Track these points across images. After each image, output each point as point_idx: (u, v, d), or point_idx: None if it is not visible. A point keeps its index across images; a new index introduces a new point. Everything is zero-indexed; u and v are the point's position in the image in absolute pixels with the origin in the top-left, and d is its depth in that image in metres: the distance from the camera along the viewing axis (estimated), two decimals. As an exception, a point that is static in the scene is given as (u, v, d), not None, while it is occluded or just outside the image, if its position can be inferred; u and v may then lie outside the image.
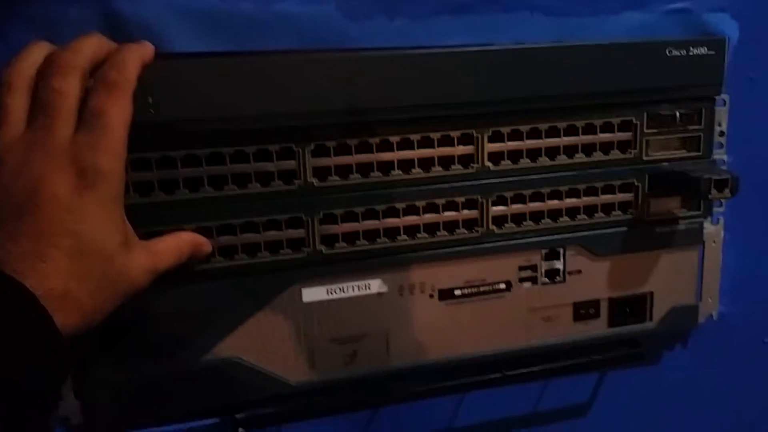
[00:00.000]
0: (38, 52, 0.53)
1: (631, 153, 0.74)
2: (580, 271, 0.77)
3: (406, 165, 0.68)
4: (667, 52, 0.72)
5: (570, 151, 0.73)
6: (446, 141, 0.69)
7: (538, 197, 0.73)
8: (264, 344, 0.69)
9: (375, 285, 0.71)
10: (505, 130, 0.70)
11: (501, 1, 0.70)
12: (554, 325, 0.77)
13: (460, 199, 0.71)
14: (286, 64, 0.63)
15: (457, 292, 0.74)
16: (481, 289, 0.74)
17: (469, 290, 0.74)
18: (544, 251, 0.75)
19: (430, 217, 0.70)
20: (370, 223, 0.69)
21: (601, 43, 0.71)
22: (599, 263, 0.77)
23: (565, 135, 0.72)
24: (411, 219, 0.70)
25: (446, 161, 0.69)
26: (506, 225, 0.73)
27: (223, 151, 0.63)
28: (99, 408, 0.67)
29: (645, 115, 0.74)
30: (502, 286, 0.75)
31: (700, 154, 0.76)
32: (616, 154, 0.74)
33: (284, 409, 0.72)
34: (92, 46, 0.54)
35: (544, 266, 0.76)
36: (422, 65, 0.66)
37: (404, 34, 0.68)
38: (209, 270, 0.66)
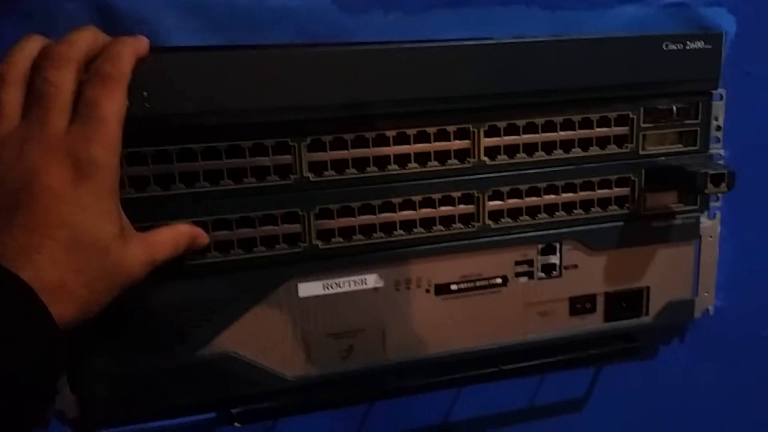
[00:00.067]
0: (33, 45, 0.53)
1: (627, 147, 0.74)
2: (576, 266, 0.76)
3: (402, 159, 0.68)
4: (664, 47, 0.72)
5: (566, 145, 0.73)
6: (442, 135, 0.69)
7: (534, 192, 0.73)
8: (260, 339, 0.69)
9: (371, 280, 0.71)
10: (502, 124, 0.70)
11: (497, -5, 0.71)
12: (550, 319, 0.77)
13: (457, 194, 0.71)
14: (282, 58, 0.62)
15: (454, 287, 0.73)
16: (478, 283, 0.74)
17: (466, 285, 0.74)
18: (540, 246, 0.75)
19: (426, 212, 0.70)
20: (366, 218, 0.69)
21: (597, 37, 0.71)
22: (595, 258, 0.77)
23: (561, 129, 0.72)
24: (407, 214, 0.70)
25: (442, 156, 0.69)
26: (502, 220, 0.73)
27: (219, 145, 0.63)
28: (95, 402, 0.66)
29: (642, 109, 0.74)
30: (499, 280, 0.75)
31: (696, 148, 0.76)
32: (612, 148, 0.74)
33: (280, 404, 0.72)
34: (87, 39, 0.54)
35: (540, 261, 0.75)
36: (418, 59, 0.66)
37: (400, 28, 0.68)
38: (205, 265, 0.65)
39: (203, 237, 0.63)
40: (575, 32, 0.72)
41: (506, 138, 0.71)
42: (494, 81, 0.68)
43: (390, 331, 0.73)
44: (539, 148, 0.72)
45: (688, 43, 0.72)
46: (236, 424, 0.70)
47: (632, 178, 0.75)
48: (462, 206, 0.71)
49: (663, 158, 0.75)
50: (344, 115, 0.65)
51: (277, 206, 0.66)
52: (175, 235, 0.60)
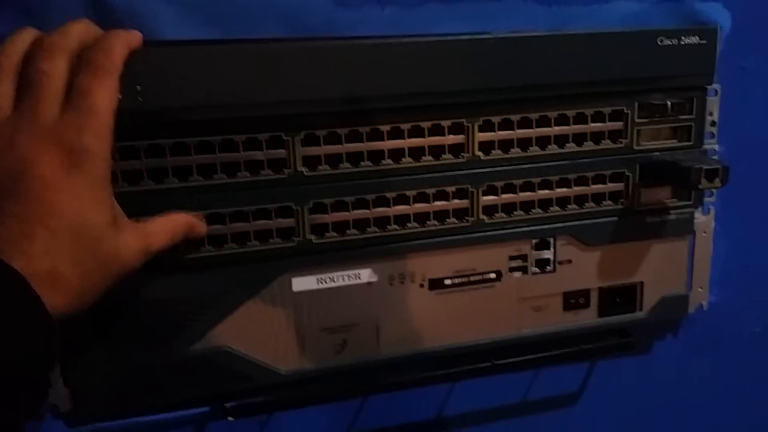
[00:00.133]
0: (26, 37, 0.53)
1: (621, 142, 0.74)
2: (570, 261, 0.77)
3: (396, 154, 0.68)
4: (659, 42, 0.71)
5: (561, 140, 0.72)
6: (437, 130, 0.69)
7: (528, 187, 0.73)
8: (254, 333, 0.69)
9: (365, 274, 0.71)
10: (496, 119, 0.70)
11: (492, -10, 0.70)
12: (544, 314, 0.77)
13: (451, 189, 0.71)
14: (276, 52, 0.62)
15: (447, 282, 0.74)
16: (471, 278, 0.74)
17: (459, 280, 0.74)
18: (534, 241, 0.75)
19: (420, 207, 0.70)
20: (360, 213, 0.69)
21: (592, 32, 0.70)
22: (589, 253, 0.77)
23: (555, 124, 0.72)
24: (401, 208, 0.70)
25: (437, 150, 0.69)
26: (496, 214, 0.73)
27: (212, 139, 0.63)
28: (88, 395, 0.66)
29: (636, 104, 0.73)
30: (493, 275, 0.75)
31: (691, 143, 0.76)
32: (606, 143, 0.74)
33: (274, 398, 0.72)
34: (80, 30, 0.54)
35: (534, 256, 0.76)
36: (413, 54, 0.65)
37: (395, 22, 0.68)
38: (199, 259, 0.65)
39: (200, 226, 0.63)
40: (570, 27, 0.72)
41: (500, 133, 0.70)
42: (489, 76, 0.68)
43: (384, 326, 0.73)
44: (533, 143, 0.72)
45: (682, 38, 0.72)
46: (230, 419, 0.70)
47: (626, 174, 0.75)
48: (456, 201, 0.71)
49: (657, 153, 0.75)
50: (338, 110, 0.65)
51: (270, 200, 0.66)
52: (171, 224, 0.60)
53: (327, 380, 0.73)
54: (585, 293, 0.78)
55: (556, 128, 0.72)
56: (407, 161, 0.68)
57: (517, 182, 0.72)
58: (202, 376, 0.68)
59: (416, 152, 0.69)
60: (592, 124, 0.73)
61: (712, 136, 0.79)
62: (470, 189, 0.71)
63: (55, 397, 0.66)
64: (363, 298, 0.71)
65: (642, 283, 0.79)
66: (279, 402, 0.72)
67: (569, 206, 0.74)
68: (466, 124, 0.69)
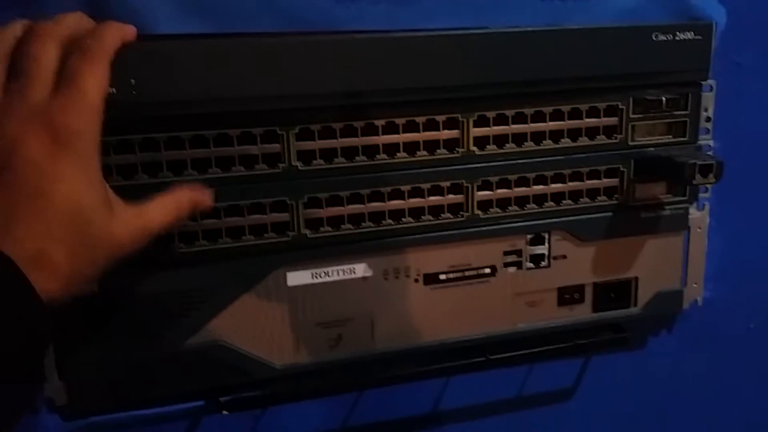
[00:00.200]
0: (18, 26, 0.53)
1: (616, 138, 0.74)
2: (564, 256, 0.77)
3: (391, 149, 0.68)
4: (654, 37, 0.72)
5: (555, 136, 0.73)
6: (432, 125, 0.69)
7: (523, 182, 0.73)
8: (249, 328, 0.69)
9: (360, 269, 0.71)
10: (491, 114, 0.70)
11: (487, -15, 0.70)
12: (539, 309, 0.78)
13: (446, 184, 0.71)
14: (271, 47, 0.62)
15: (442, 277, 0.74)
16: (466, 273, 0.74)
17: (454, 275, 0.74)
18: (529, 236, 0.75)
19: (415, 202, 0.70)
20: (354, 207, 0.69)
21: (587, 27, 0.71)
22: (584, 248, 0.77)
23: (550, 120, 0.72)
24: (396, 203, 0.70)
25: (432, 145, 0.69)
26: (491, 210, 0.73)
27: (207, 134, 0.63)
28: (84, 390, 0.67)
29: (631, 100, 0.74)
30: (487, 270, 0.75)
31: (686, 139, 0.76)
32: (601, 139, 0.74)
33: (269, 393, 0.72)
34: (73, 19, 0.54)
35: (528, 251, 0.76)
36: (408, 48, 0.66)
37: (389, 17, 0.67)
38: (194, 253, 0.65)
39: (206, 198, 0.61)
40: (565, 22, 0.72)
41: (495, 128, 0.71)
42: (484, 71, 0.68)
43: (379, 321, 0.73)
44: (528, 138, 0.72)
45: (677, 33, 0.72)
46: (224, 413, 0.70)
47: (621, 169, 0.75)
48: (451, 196, 0.71)
49: (652, 149, 0.76)
50: (333, 104, 0.65)
51: (265, 195, 0.66)
52: (172, 202, 0.58)
53: (322, 374, 0.73)
54: (579, 288, 0.78)
55: (551, 123, 0.72)
56: (402, 156, 0.69)
57: (512, 177, 0.72)
58: (197, 370, 0.68)
59: (411, 147, 0.69)
60: (587, 120, 0.73)
61: (707, 131, 0.79)
62: (465, 184, 0.71)
63: (51, 391, 0.66)
64: (358, 292, 0.72)
65: (636, 279, 0.80)
66: (273, 396, 0.73)
67: (564, 201, 0.75)
68: (461, 119, 0.69)
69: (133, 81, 0.58)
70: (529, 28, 0.69)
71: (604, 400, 0.88)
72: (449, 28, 0.67)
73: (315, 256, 0.69)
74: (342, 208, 0.68)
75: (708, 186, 0.81)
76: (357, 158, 0.67)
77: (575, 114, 0.73)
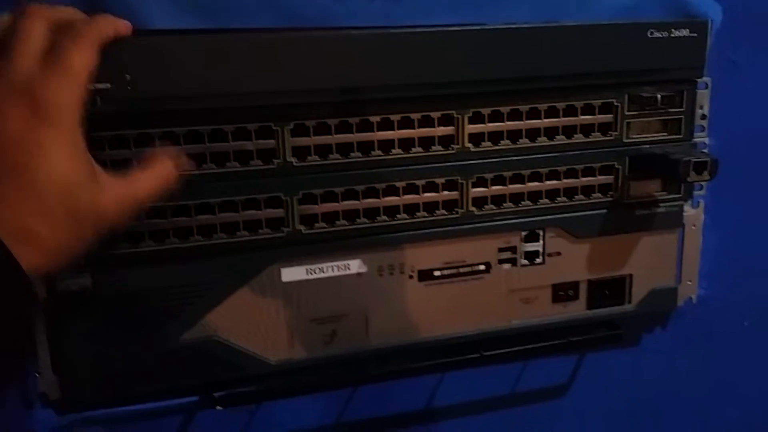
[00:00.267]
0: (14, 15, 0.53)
1: (611, 135, 0.74)
2: (559, 253, 0.77)
3: (386, 145, 0.68)
4: (649, 34, 0.72)
5: (550, 132, 0.73)
6: (427, 121, 0.69)
7: (518, 179, 0.73)
8: (243, 323, 0.69)
9: (354, 265, 0.71)
10: (486, 111, 0.70)
11: (483, -19, 0.70)
12: (533, 306, 0.78)
13: (440, 180, 0.71)
14: (266, 43, 0.62)
15: (437, 273, 0.74)
16: (461, 270, 0.74)
17: (449, 271, 0.74)
18: (523, 233, 0.75)
19: (409, 198, 0.70)
20: (349, 204, 0.69)
21: (582, 24, 0.71)
22: (579, 245, 0.77)
23: (545, 117, 0.72)
24: (391, 199, 0.70)
25: (427, 142, 0.69)
26: (486, 206, 0.73)
27: (201, 129, 0.63)
28: (78, 384, 0.67)
29: (626, 97, 0.74)
30: (482, 267, 0.75)
31: (681, 136, 0.77)
32: (596, 136, 0.74)
33: (263, 388, 0.72)
34: (67, 9, 0.54)
35: (523, 248, 0.76)
36: (403, 45, 0.66)
37: (385, 13, 0.67)
38: (188, 249, 0.66)
39: (186, 164, 0.61)
40: (561, 19, 0.71)
41: (490, 125, 0.71)
42: (479, 67, 0.68)
43: (373, 317, 0.73)
44: (523, 135, 0.72)
45: (673, 30, 0.72)
46: (218, 408, 0.70)
47: (616, 166, 0.75)
48: (446, 192, 0.71)
49: (647, 146, 0.76)
50: (328, 100, 0.65)
51: (260, 191, 0.66)
52: (159, 170, 0.57)
53: (316, 370, 0.73)
54: (574, 285, 0.78)
55: (546, 120, 0.72)
56: (397, 152, 0.69)
57: (507, 174, 0.72)
58: (191, 365, 0.68)
59: (406, 143, 0.69)
60: (582, 117, 0.73)
61: (702, 129, 0.79)
62: (460, 180, 0.71)
63: (45, 385, 0.66)
64: (352, 288, 0.72)
65: (631, 276, 0.80)
66: (268, 392, 0.73)
67: (559, 198, 0.75)
68: (455, 115, 0.69)
69: (128, 76, 0.58)
70: (525, 25, 0.69)
71: (598, 397, 0.88)
72: (445, 24, 0.67)
73: (310, 252, 0.69)
74: (337, 204, 0.68)
75: (703, 183, 0.81)
76: (352, 154, 0.67)
77: (570, 111, 0.73)
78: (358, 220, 0.69)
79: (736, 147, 0.81)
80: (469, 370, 0.80)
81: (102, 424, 0.71)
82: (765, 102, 0.83)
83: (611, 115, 0.74)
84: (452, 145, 0.70)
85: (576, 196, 0.75)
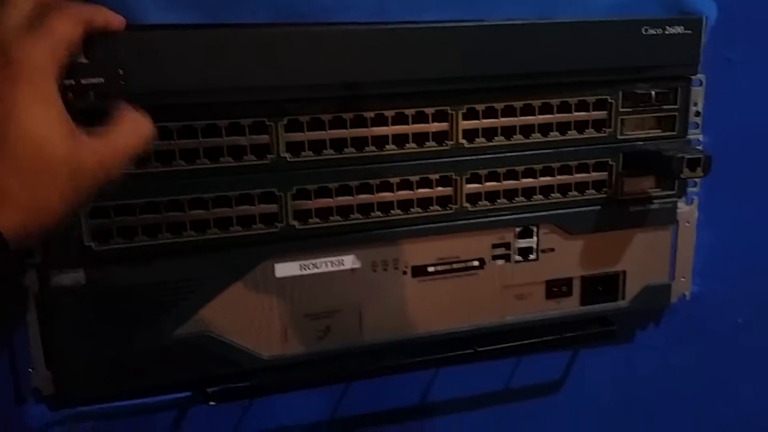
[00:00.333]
0: None
1: (605, 132, 0.74)
2: (553, 249, 0.77)
3: (380, 141, 0.68)
4: (643, 31, 0.72)
5: (544, 129, 0.73)
6: (421, 117, 0.69)
7: (512, 175, 0.73)
8: (237, 319, 0.69)
9: (348, 261, 0.71)
10: (480, 107, 0.70)
11: (477, -23, 0.70)
12: (527, 302, 0.78)
13: (434, 176, 0.71)
14: (260, 38, 0.62)
15: (431, 269, 0.74)
16: (455, 266, 0.75)
17: (443, 267, 0.74)
18: (517, 229, 0.75)
19: (403, 194, 0.70)
20: (343, 199, 0.69)
21: (577, 20, 0.71)
22: (572, 241, 0.77)
23: (539, 113, 0.72)
24: (385, 195, 0.70)
25: (421, 138, 0.69)
26: (480, 202, 0.73)
27: (195, 124, 0.63)
28: (71, 380, 0.67)
29: (620, 93, 0.74)
30: (476, 263, 0.75)
31: (675, 133, 0.77)
32: (590, 132, 0.74)
33: (256, 383, 0.72)
34: None
35: (517, 244, 0.76)
36: (397, 40, 0.66)
37: (379, 9, 0.67)
38: (181, 243, 0.66)
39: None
40: (555, 15, 0.71)
41: (484, 121, 0.71)
42: (473, 63, 0.68)
43: (367, 312, 0.73)
44: (517, 132, 0.72)
45: (667, 27, 0.72)
46: (212, 403, 0.70)
47: (610, 163, 0.75)
48: (440, 188, 0.71)
49: (641, 143, 0.76)
50: (322, 96, 0.65)
51: (253, 186, 0.66)
52: (134, 124, 0.56)
53: (310, 366, 0.73)
54: (567, 281, 0.79)
55: (540, 117, 0.72)
56: (391, 148, 0.69)
57: (501, 170, 0.72)
58: (185, 360, 0.68)
59: (400, 139, 0.69)
60: (576, 113, 0.73)
61: (697, 126, 0.79)
62: (454, 177, 0.71)
63: (38, 381, 0.66)
64: (346, 284, 0.72)
65: (624, 272, 0.80)
66: (261, 387, 0.73)
67: (552, 195, 0.75)
68: (450, 111, 0.69)
69: (121, 71, 0.58)
70: (519, 21, 0.69)
71: (591, 394, 0.88)
72: (439, 20, 0.67)
73: (303, 247, 0.69)
74: (331, 199, 0.68)
75: (696, 180, 0.81)
76: (346, 150, 0.67)
77: (564, 107, 0.73)
78: (351, 216, 0.69)
79: (731, 144, 0.81)
80: (463, 365, 0.80)
81: (95, 420, 0.70)
82: (759, 99, 0.83)
83: (605, 112, 0.74)
84: (446, 141, 0.70)
85: (570, 193, 0.75)
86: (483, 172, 0.72)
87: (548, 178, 0.74)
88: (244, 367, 0.71)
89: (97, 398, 0.70)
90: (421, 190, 0.71)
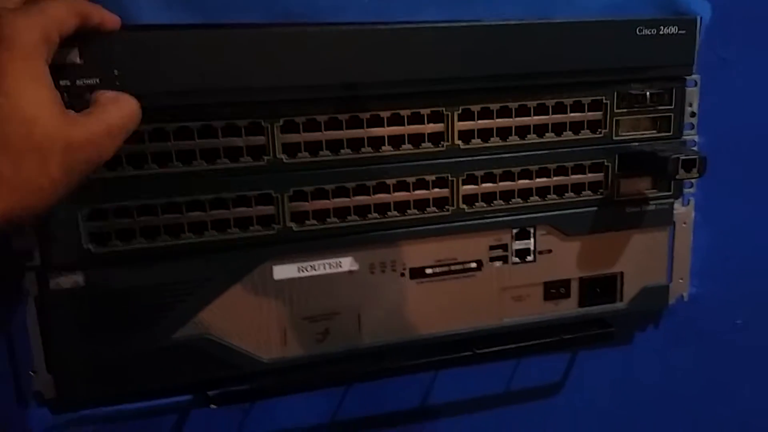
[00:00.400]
0: None
1: (601, 132, 0.75)
2: (550, 251, 0.77)
3: (376, 142, 0.69)
4: (638, 32, 0.72)
5: (540, 130, 0.73)
6: (416, 119, 0.69)
7: (508, 176, 0.73)
8: (236, 321, 0.69)
9: (346, 263, 0.71)
10: (475, 108, 0.70)
11: (472, -22, 0.71)
12: (525, 304, 0.78)
13: (431, 178, 0.71)
14: (256, 38, 0.62)
15: (428, 271, 0.74)
16: (452, 267, 0.75)
17: (440, 269, 0.74)
18: (514, 230, 0.76)
19: (400, 195, 0.71)
20: (340, 201, 0.69)
21: (571, 21, 0.71)
22: (570, 243, 0.77)
23: (535, 114, 0.72)
24: (381, 197, 0.70)
25: (416, 139, 0.70)
26: (477, 204, 0.73)
27: (191, 125, 0.63)
28: (72, 383, 0.67)
29: (615, 94, 0.74)
30: (473, 265, 0.75)
31: (670, 134, 0.77)
32: (586, 133, 0.74)
33: (256, 386, 0.72)
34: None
35: (514, 245, 0.76)
36: (392, 41, 0.66)
37: (374, 10, 0.67)
38: (179, 246, 0.66)
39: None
40: (549, 16, 0.72)
41: (480, 122, 0.71)
42: (468, 64, 0.68)
43: (365, 314, 0.73)
44: (513, 133, 0.72)
45: (662, 28, 0.72)
46: (212, 406, 0.70)
47: (606, 164, 0.76)
48: (436, 190, 0.72)
49: (636, 144, 0.76)
50: (317, 97, 0.66)
51: (250, 188, 0.66)
52: (126, 104, 0.56)
53: (309, 368, 0.73)
54: (565, 283, 0.79)
55: (536, 118, 0.72)
56: (387, 149, 0.69)
57: (497, 171, 0.73)
58: (185, 363, 0.69)
59: (396, 140, 0.69)
60: (572, 114, 0.73)
61: (692, 126, 0.79)
62: (450, 178, 0.71)
63: (40, 385, 0.67)
64: (344, 286, 0.72)
65: (622, 274, 0.80)
66: (261, 390, 0.73)
67: (549, 196, 0.75)
68: (445, 112, 0.70)
69: (116, 71, 0.58)
70: (513, 22, 0.69)
71: (591, 395, 0.88)
72: (433, 20, 0.68)
73: (301, 249, 0.70)
74: (327, 201, 0.69)
75: (692, 181, 0.81)
76: (342, 151, 0.68)
77: (560, 108, 0.73)
78: (349, 218, 0.70)
79: (726, 144, 0.81)
80: (462, 368, 0.80)
81: (97, 423, 0.71)
82: (754, 99, 0.83)
83: (600, 113, 0.74)
84: (442, 142, 0.70)
85: (566, 194, 0.75)
86: (479, 173, 0.72)
87: (544, 180, 0.74)
88: (243, 369, 0.71)
89: (99, 401, 0.70)
90: (417, 192, 0.71)
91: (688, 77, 0.77)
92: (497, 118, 0.71)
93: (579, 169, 0.75)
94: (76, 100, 0.55)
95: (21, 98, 0.47)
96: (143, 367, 0.68)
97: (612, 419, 0.90)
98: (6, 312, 0.66)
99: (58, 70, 0.54)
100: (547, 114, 0.73)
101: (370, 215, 0.70)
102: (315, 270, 0.71)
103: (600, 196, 0.76)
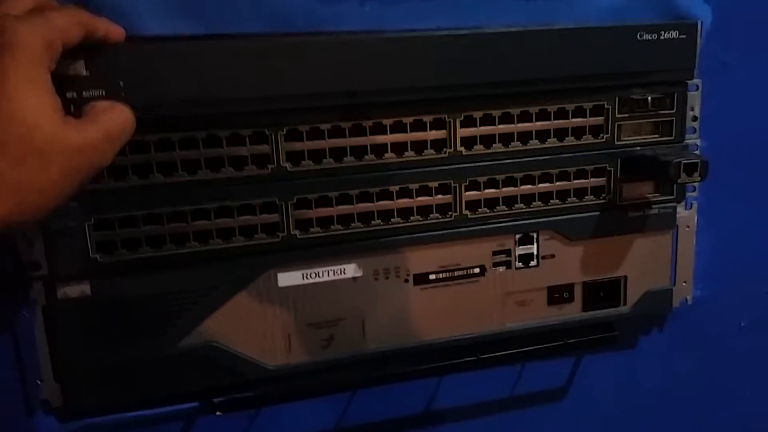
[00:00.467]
0: None
1: (603, 137, 0.75)
2: (553, 256, 0.77)
3: (378, 150, 0.69)
4: (639, 36, 0.72)
5: (542, 135, 0.73)
6: (419, 126, 0.69)
7: (510, 182, 0.74)
8: (241, 328, 0.70)
9: (350, 269, 0.72)
10: (477, 114, 0.71)
11: (472, -15, 0.71)
12: (529, 309, 0.78)
13: (434, 184, 0.71)
14: (258, 48, 0.63)
15: (432, 277, 0.74)
16: (456, 273, 0.75)
17: (444, 275, 0.75)
18: (517, 236, 0.76)
19: (403, 202, 0.71)
20: (343, 208, 0.69)
21: (571, 27, 0.71)
22: (573, 247, 0.78)
23: (537, 120, 0.73)
24: (385, 204, 0.70)
25: (419, 146, 0.70)
26: (480, 210, 0.73)
27: (196, 135, 0.64)
28: (79, 392, 0.67)
29: (617, 99, 0.74)
30: (477, 270, 0.75)
31: (672, 138, 0.77)
32: (588, 138, 0.74)
33: (262, 393, 0.72)
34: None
35: (517, 251, 0.76)
36: (394, 49, 0.66)
37: (375, 18, 0.67)
38: (185, 254, 0.66)
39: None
40: (549, 22, 0.72)
41: (482, 128, 0.71)
42: (469, 71, 0.68)
43: (369, 321, 0.73)
44: (515, 138, 0.72)
45: (662, 32, 0.73)
46: (218, 413, 0.71)
47: (608, 168, 0.76)
48: (439, 196, 0.72)
49: (638, 148, 0.76)
50: (320, 105, 0.66)
51: (254, 196, 0.67)
52: (120, 112, 0.56)
53: (314, 375, 0.73)
54: (569, 288, 0.79)
55: (538, 123, 0.73)
56: (390, 156, 0.69)
57: (500, 177, 0.73)
58: (190, 370, 0.69)
59: (399, 147, 0.69)
60: (574, 119, 0.74)
61: (694, 131, 0.79)
62: (453, 184, 0.72)
63: (47, 393, 0.67)
64: (348, 293, 0.72)
65: (626, 278, 0.80)
66: (267, 397, 0.73)
67: (552, 201, 0.75)
68: (447, 119, 0.70)
69: (121, 83, 0.58)
70: (514, 29, 0.70)
71: (596, 400, 0.88)
72: (435, 28, 0.68)
73: (305, 256, 0.70)
74: (331, 208, 0.69)
75: (694, 184, 0.81)
76: (345, 159, 0.68)
77: (561, 114, 0.73)
78: (352, 225, 0.70)
79: (728, 148, 0.81)
80: (467, 373, 0.80)
81: (104, 431, 0.71)
82: (756, 103, 0.84)
83: (602, 118, 0.74)
84: (444, 149, 0.70)
85: (569, 199, 0.76)
86: (482, 179, 0.72)
87: (547, 185, 0.75)
88: (249, 376, 0.71)
89: (106, 410, 0.71)
90: (420, 198, 0.71)
91: (689, 81, 0.77)
92: (499, 124, 0.72)
93: (581, 174, 0.75)
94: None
95: (22, 103, 0.47)
96: (149, 375, 0.68)
97: (617, 423, 0.90)
98: (14, 321, 0.66)
99: (64, 82, 0.55)
100: (549, 120, 0.73)
101: (373, 222, 0.71)
102: (319, 277, 0.71)
103: (603, 201, 0.76)
